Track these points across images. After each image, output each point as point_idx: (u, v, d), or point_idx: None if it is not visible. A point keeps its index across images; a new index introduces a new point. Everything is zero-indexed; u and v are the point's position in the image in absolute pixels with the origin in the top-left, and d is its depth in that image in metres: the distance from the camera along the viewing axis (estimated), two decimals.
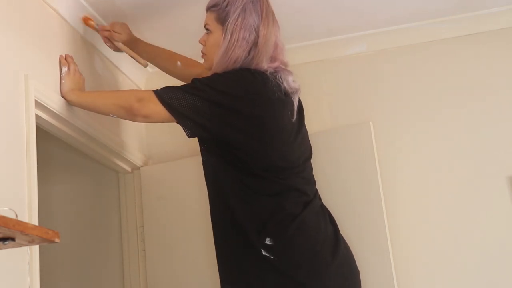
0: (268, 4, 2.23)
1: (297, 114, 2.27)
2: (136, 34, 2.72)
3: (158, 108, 2.12)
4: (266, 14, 2.19)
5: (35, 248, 1.95)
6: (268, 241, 2.04)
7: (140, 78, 3.13)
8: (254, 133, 2.13)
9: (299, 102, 2.33)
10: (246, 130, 2.12)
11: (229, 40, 2.16)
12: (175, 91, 2.14)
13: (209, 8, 2.25)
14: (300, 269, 2.05)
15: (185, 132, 2.15)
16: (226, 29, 2.17)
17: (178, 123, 2.14)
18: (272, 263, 2.03)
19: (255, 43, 2.16)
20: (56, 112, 2.25)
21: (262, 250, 2.04)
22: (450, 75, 2.90)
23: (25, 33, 2.17)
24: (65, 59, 2.37)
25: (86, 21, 2.56)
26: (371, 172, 2.71)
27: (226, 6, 2.19)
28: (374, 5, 2.76)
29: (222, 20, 2.20)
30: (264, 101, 2.14)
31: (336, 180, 2.74)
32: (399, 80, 2.96)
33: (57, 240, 1.45)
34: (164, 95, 2.13)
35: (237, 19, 2.17)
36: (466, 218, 2.73)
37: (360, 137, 2.78)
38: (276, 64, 2.22)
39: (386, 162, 2.78)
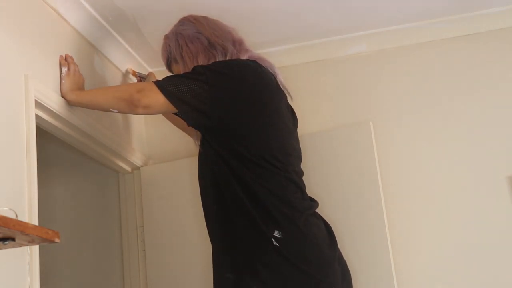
0: (192, 17, 2.36)
1: (291, 117, 2.32)
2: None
3: (158, 97, 2.13)
4: (195, 19, 2.34)
5: (35, 248, 1.95)
6: (277, 233, 2.04)
7: None
8: (255, 116, 2.15)
9: (291, 108, 2.37)
10: (247, 113, 2.14)
11: (184, 64, 2.29)
12: (175, 78, 2.17)
13: (168, 67, 2.40)
14: (309, 263, 2.05)
15: (184, 120, 2.17)
16: (182, 60, 2.31)
17: (177, 111, 2.14)
18: (282, 254, 2.03)
19: (208, 40, 2.28)
20: (56, 112, 2.25)
21: (273, 240, 2.03)
22: (450, 75, 2.90)
23: (25, 33, 2.17)
24: (65, 59, 2.37)
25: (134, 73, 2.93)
26: (371, 172, 2.71)
27: (170, 51, 2.35)
28: (374, 5, 2.76)
29: (176, 61, 2.34)
30: (263, 85, 2.20)
31: (336, 180, 2.74)
32: (399, 80, 2.95)
33: (57, 240, 1.45)
34: (164, 83, 2.16)
35: (179, 46, 2.32)
36: (466, 218, 2.73)
37: (360, 137, 2.78)
38: (256, 54, 2.31)
39: (386, 162, 2.78)
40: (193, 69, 2.17)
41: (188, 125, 2.19)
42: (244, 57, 2.27)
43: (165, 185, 2.96)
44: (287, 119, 2.28)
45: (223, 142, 2.14)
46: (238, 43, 2.31)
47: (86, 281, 3.13)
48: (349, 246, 2.57)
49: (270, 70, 2.28)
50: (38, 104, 2.14)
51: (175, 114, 2.19)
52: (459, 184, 2.77)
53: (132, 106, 2.18)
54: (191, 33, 2.31)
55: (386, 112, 2.91)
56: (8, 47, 2.04)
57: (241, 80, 2.16)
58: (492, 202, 2.72)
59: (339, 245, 2.23)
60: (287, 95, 2.33)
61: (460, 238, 2.72)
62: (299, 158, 2.28)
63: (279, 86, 2.28)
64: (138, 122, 3.07)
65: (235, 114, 2.13)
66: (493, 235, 2.69)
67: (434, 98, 2.89)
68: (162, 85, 2.14)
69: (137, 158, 2.98)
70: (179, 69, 2.31)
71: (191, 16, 2.38)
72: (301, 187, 2.20)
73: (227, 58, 2.25)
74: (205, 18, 2.37)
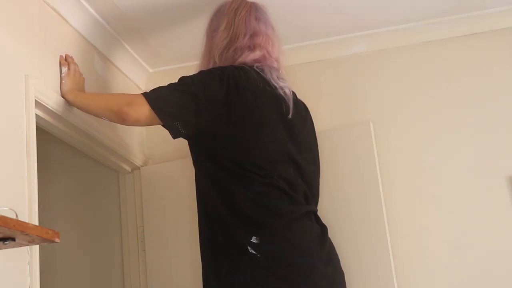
0: (231, 2, 2.33)
1: (285, 126, 2.25)
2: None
3: (145, 110, 2.11)
4: (228, 11, 2.31)
5: (35, 248, 1.95)
6: (254, 239, 2.04)
7: (141, 78, 3.13)
8: (238, 126, 2.15)
9: (305, 106, 2.35)
10: (231, 123, 2.14)
11: (205, 44, 2.33)
12: (162, 90, 2.16)
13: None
14: (287, 267, 2.04)
15: (170, 132, 2.15)
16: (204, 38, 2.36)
17: (162, 124, 2.14)
18: (258, 260, 2.03)
19: (227, 41, 2.25)
20: (56, 112, 2.26)
21: (249, 248, 2.04)
22: (450, 75, 2.90)
23: (25, 33, 2.17)
24: (65, 59, 2.37)
25: None
26: (371, 172, 2.71)
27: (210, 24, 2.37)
28: (373, 5, 2.76)
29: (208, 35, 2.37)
30: (249, 93, 2.17)
31: (336, 180, 2.74)
32: (399, 80, 2.95)
33: (57, 240, 1.45)
34: (151, 95, 2.14)
35: (208, 26, 2.35)
36: (466, 218, 2.73)
37: (360, 137, 2.78)
38: (258, 54, 2.26)
39: (386, 162, 2.78)
40: (181, 79, 2.17)
41: (173, 137, 2.17)
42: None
43: (165, 185, 2.96)
44: (278, 127, 2.22)
45: (204, 150, 2.16)
46: (256, 61, 2.26)
47: (86, 281, 3.13)
48: (349, 247, 2.57)
49: (271, 80, 2.24)
50: (38, 104, 2.14)
51: (162, 125, 2.19)
52: (459, 184, 2.77)
53: (120, 120, 2.17)
54: (216, 26, 2.32)
55: (386, 112, 2.91)
56: (8, 47, 2.04)
57: (227, 91, 2.13)
58: (492, 202, 2.72)
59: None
60: (285, 95, 2.26)
61: (460, 238, 2.72)
62: (291, 165, 2.21)
63: (269, 89, 2.22)
64: None
65: (219, 125, 2.13)
66: (493, 235, 2.69)
67: (434, 98, 2.89)
68: (149, 98, 2.12)
69: (137, 158, 2.98)
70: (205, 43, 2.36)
71: (233, 7, 2.33)
72: (289, 193, 2.15)
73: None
74: (246, 15, 2.32)
